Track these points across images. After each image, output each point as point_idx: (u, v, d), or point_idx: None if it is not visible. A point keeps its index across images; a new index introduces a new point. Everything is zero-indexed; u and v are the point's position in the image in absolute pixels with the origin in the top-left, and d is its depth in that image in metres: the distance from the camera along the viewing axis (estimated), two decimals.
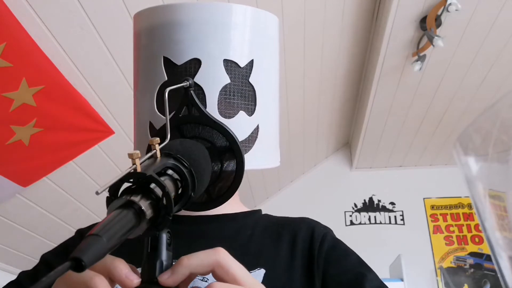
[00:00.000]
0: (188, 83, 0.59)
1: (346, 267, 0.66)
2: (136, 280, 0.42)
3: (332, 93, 3.03)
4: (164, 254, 0.45)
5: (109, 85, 1.82)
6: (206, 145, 0.56)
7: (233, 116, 0.65)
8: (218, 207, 0.60)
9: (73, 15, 1.53)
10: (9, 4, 1.36)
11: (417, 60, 2.42)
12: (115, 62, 1.75)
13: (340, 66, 2.79)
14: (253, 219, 0.74)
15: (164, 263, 0.44)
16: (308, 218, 0.75)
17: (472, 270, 3.37)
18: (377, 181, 3.75)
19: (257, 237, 0.70)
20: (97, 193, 0.37)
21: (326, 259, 0.67)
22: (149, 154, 0.45)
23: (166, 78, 0.65)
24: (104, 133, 1.86)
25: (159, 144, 0.47)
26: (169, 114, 0.65)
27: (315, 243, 0.68)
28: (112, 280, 0.42)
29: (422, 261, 3.37)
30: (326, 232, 0.72)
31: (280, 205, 3.66)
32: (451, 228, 3.54)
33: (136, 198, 0.38)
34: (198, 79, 0.63)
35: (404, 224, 3.59)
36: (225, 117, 0.64)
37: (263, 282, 0.62)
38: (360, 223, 3.63)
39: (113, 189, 0.40)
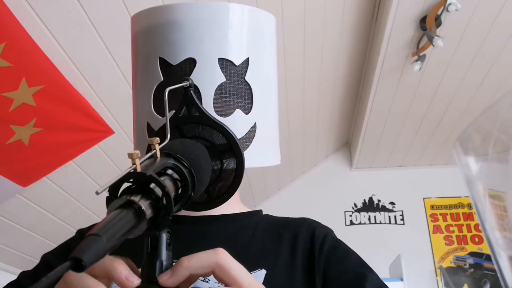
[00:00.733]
0: (188, 83, 0.59)
1: (347, 268, 0.66)
2: (136, 281, 0.42)
3: (332, 93, 3.03)
4: (164, 254, 0.45)
5: (109, 85, 1.82)
6: (206, 145, 0.56)
7: (229, 115, 0.64)
8: (218, 207, 0.59)
9: (73, 15, 1.53)
10: (9, 4, 1.36)
11: (417, 60, 2.42)
12: (115, 62, 1.75)
13: (340, 66, 2.79)
14: (254, 219, 0.74)
15: (164, 263, 0.44)
16: (309, 219, 0.75)
17: (472, 270, 3.37)
18: (377, 181, 3.75)
19: (258, 238, 0.70)
20: (97, 193, 0.37)
21: (326, 260, 0.67)
22: (149, 154, 0.45)
23: (162, 79, 0.66)
24: (104, 133, 1.86)
25: (159, 144, 0.47)
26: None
27: (315, 243, 0.68)
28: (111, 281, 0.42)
29: (422, 261, 3.37)
30: (327, 232, 0.72)
31: (280, 205, 3.66)
32: (451, 228, 3.54)
33: (136, 198, 0.38)
34: (193, 78, 0.63)
35: (404, 224, 3.59)
36: (221, 115, 0.64)
37: (264, 283, 0.62)
38: (360, 223, 3.63)
39: (113, 189, 0.40)
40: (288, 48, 2.32)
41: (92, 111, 1.77)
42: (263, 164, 0.68)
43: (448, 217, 3.57)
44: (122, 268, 0.42)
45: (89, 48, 1.66)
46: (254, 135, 0.66)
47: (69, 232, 0.74)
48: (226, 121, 0.59)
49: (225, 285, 0.43)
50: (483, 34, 2.37)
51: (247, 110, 0.66)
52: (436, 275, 3.37)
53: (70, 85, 1.65)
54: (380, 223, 3.62)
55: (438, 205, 3.61)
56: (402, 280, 2.51)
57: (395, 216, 3.62)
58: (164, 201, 0.40)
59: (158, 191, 0.40)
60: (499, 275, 0.42)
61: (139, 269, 0.44)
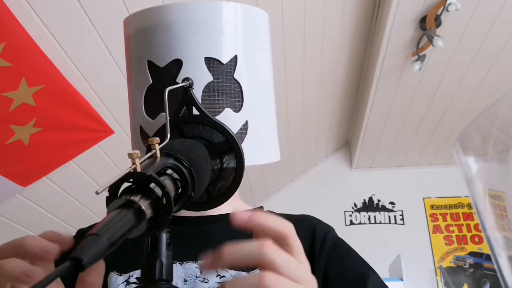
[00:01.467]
0: (187, 82, 0.59)
1: (348, 266, 0.66)
2: (54, 251, 0.39)
3: (332, 93, 3.03)
4: (164, 254, 0.45)
5: (109, 85, 1.83)
6: (205, 144, 0.56)
7: (219, 114, 0.64)
8: (218, 207, 0.60)
9: (73, 15, 1.53)
10: (9, 4, 1.36)
11: (417, 60, 2.42)
12: (115, 62, 1.75)
13: (340, 66, 2.79)
14: None
15: (164, 263, 0.44)
16: (310, 216, 0.75)
17: (471, 269, 3.37)
18: (377, 181, 3.75)
19: None
20: (97, 193, 0.37)
21: (327, 258, 0.66)
22: (149, 154, 0.45)
23: (151, 81, 0.66)
24: (104, 133, 1.86)
25: (159, 143, 0.47)
26: (156, 116, 0.65)
27: (316, 242, 0.68)
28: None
29: (421, 261, 3.38)
30: (328, 231, 0.71)
31: (280, 205, 3.66)
32: (451, 228, 3.54)
33: (136, 198, 0.38)
34: (180, 79, 0.63)
35: (403, 224, 3.59)
36: None
37: None
38: (360, 223, 3.63)
39: (113, 188, 0.40)
40: (288, 48, 2.32)
41: (92, 111, 1.77)
42: (259, 162, 0.68)
43: (448, 217, 3.58)
44: (34, 241, 0.39)
45: (89, 48, 1.66)
46: (246, 133, 0.66)
47: (69, 232, 0.74)
48: None
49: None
50: (483, 34, 2.37)
51: (237, 108, 0.66)
52: (436, 275, 3.37)
53: (70, 85, 1.65)
54: (380, 223, 3.62)
55: (438, 205, 3.61)
56: (402, 280, 2.52)
57: (395, 216, 3.62)
58: (164, 201, 0.40)
59: (158, 191, 0.40)
60: (499, 275, 0.42)
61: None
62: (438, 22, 2.22)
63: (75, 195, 2.19)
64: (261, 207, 0.78)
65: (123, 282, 0.64)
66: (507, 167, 0.40)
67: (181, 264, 0.65)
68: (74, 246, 0.35)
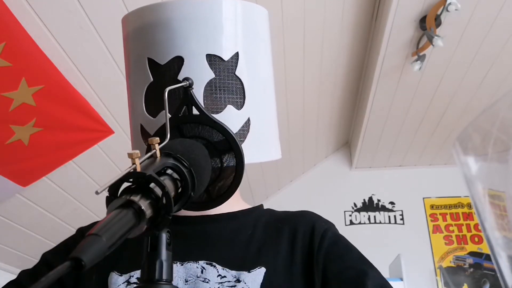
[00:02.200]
0: (187, 82, 0.59)
1: (347, 264, 0.65)
2: None
3: (331, 92, 3.03)
4: (164, 254, 0.45)
5: (109, 84, 1.82)
6: (205, 144, 0.56)
7: (221, 111, 0.64)
8: (218, 207, 0.59)
9: (73, 15, 1.53)
10: (9, 4, 1.36)
11: (416, 60, 2.42)
12: (115, 62, 1.75)
13: (340, 66, 2.79)
14: (254, 216, 0.74)
15: (164, 263, 0.44)
16: (310, 212, 0.74)
17: (471, 269, 3.37)
18: (376, 180, 3.75)
19: (258, 235, 0.70)
20: (97, 192, 0.37)
21: (326, 255, 0.66)
22: (149, 154, 0.45)
23: (152, 79, 0.65)
24: (103, 133, 1.86)
25: (159, 143, 0.47)
26: (157, 114, 0.65)
27: (315, 238, 0.68)
28: None
29: (421, 261, 3.37)
30: (327, 227, 0.71)
31: (280, 205, 3.66)
32: (451, 228, 3.54)
33: (135, 198, 0.38)
34: (181, 76, 0.62)
35: (403, 223, 3.59)
36: (212, 112, 0.63)
37: (263, 281, 0.62)
38: (359, 223, 3.63)
39: (113, 188, 0.40)
40: (288, 48, 2.31)
41: (92, 111, 1.77)
42: (260, 160, 0.68)
43: (448, 217, 3.58)
44: None
45: (89, 48, 1.66)
46: (248, 131, 0.66)
47: (69, 232, 0.74)
48: (218, 118, 0.59)
49: None
50: (483, 34, 2.37)
51: (239, 105, 0.65)
52: (436, 275, 3.37)
53: (70, 85, 1.65)
54: (380, 223, 3.62)
55: (437, 205, 3.61)
56: (402, 279, 2.51)
57: (395, 216, 3.62)
58: (164, 201, 0.40)
59: (158, 191, 0.40)
60: (498, 275, 0.42)
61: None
62: (438, 22, 2.22)
63: (75, 195, 2.19)
64: (261, 206, 0.78)
65: (123, 283, 0.64)
66: (507, 167, 0.40)
67: (182, 264, 0.65)
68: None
